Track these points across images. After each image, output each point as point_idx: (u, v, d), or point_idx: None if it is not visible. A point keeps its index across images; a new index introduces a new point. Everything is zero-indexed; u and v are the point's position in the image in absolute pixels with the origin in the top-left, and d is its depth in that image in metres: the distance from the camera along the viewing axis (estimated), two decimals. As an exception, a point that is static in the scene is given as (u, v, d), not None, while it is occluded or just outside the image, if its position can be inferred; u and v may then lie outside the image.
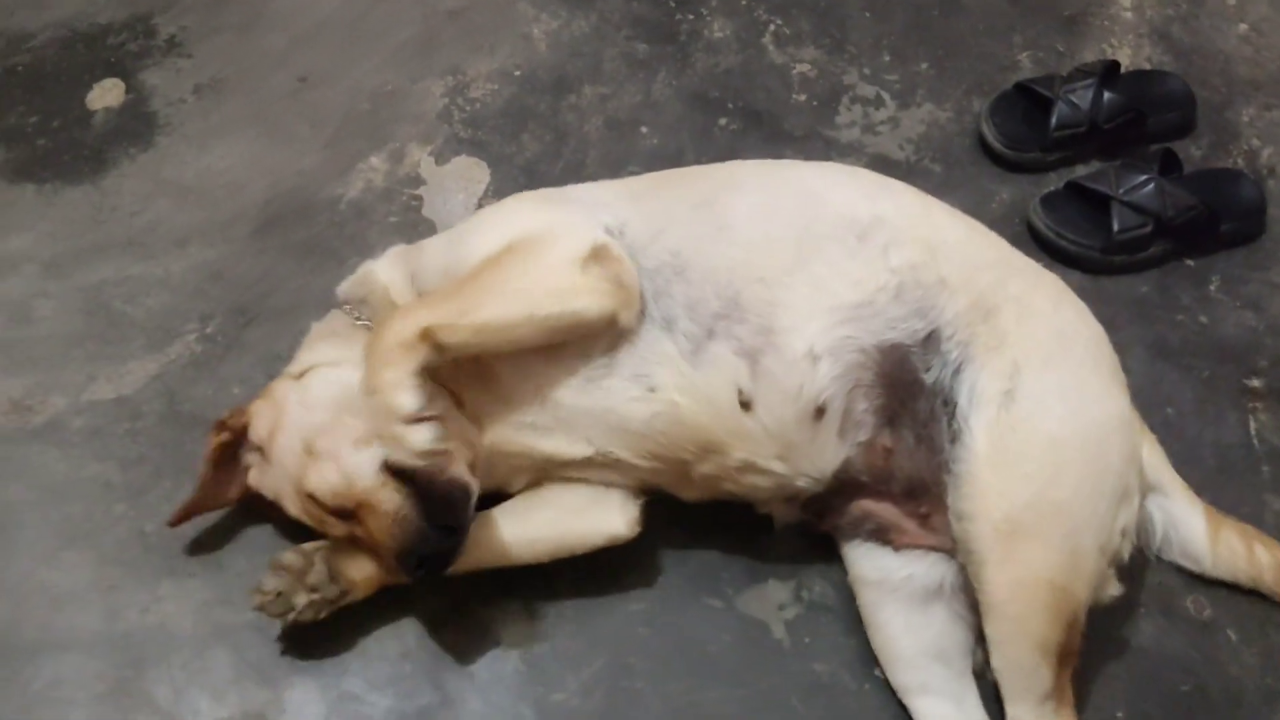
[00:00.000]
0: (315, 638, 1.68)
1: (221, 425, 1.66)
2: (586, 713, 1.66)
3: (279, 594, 1.59)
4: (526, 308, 1.52)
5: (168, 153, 2.18)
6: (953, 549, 1.60)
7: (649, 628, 1.73)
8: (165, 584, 1.73)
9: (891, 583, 1.67)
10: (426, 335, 1.48)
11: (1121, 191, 2.09)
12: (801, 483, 1.62)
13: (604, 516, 1.66)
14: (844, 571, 1.74)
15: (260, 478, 1.66)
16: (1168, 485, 1.72)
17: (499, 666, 1.69)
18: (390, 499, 1.51)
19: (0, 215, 2.09)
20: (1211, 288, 2.11)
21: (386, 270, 1.72)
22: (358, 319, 1.71)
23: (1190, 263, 2.14)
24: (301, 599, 1.59)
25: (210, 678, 1.67)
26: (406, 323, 1.49)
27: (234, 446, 1.67)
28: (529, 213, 1.66)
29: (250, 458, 1.66)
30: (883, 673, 1.70)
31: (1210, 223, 2.10)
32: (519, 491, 1.69)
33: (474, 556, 1.60)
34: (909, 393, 1.59)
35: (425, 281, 1.68)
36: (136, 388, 1.90)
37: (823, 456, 1.60)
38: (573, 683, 1.68)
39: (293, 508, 1.62)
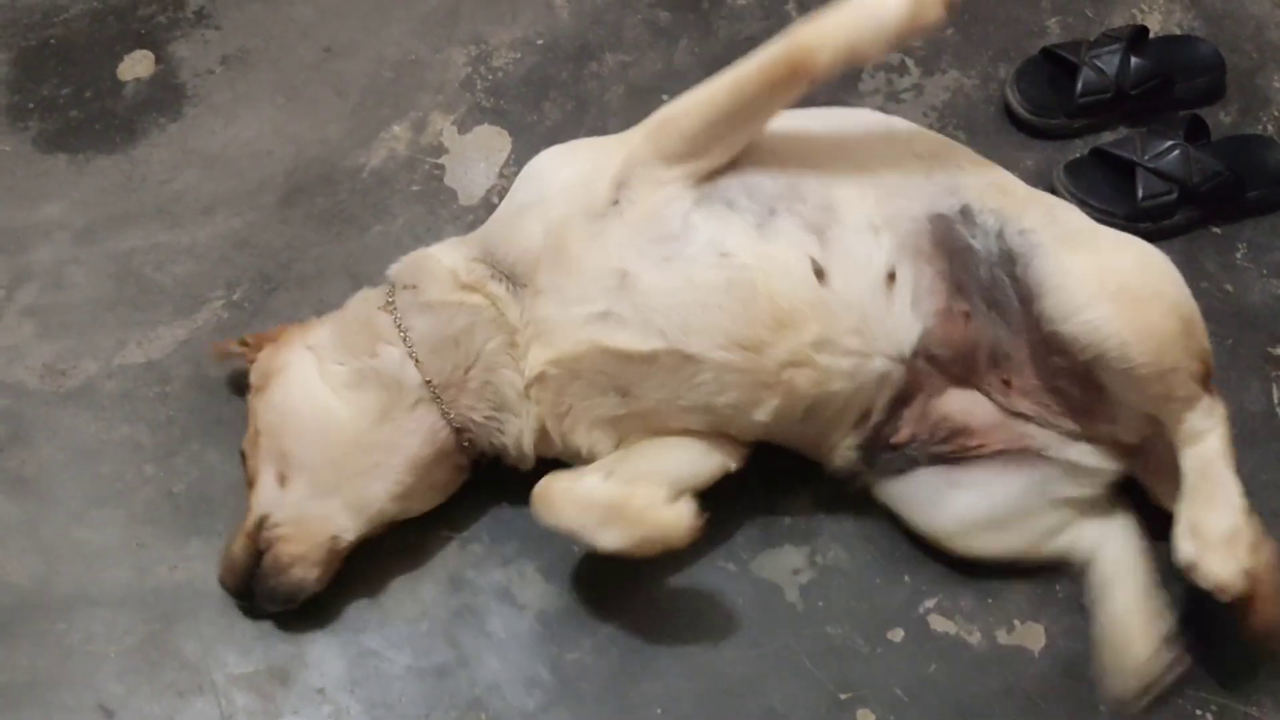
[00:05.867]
0: (336, 597, 1.72)
1: (244, 345, 1.81)
2: (601, 672, 1.69)
3: None
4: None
5: (196, 123, 2.21)
6: (1026, 431, 1.69)
7: (663, 590, 1.75)
8: (193, 543, 1.78)
9: (971, 521, 1.71)
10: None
11: (1146, 158, 2.07)
12: (878, 365, 1.63)
13: (721, 455, 1.69)
14: (857, 535, 1.77)
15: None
16: None
17: (515, 626, 1.72)
18: (238, 543, 1.67)
19: (34, 184, 2.14)
20: (1238, 255, 2.09)
21: (449, 254, 1.71)
22: (390, 303, 1.70)
23: (1217, 230, 2.12)
24: None
25: (236, 634, 1.71)
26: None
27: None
28: None
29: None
30: (895, 636, 1.73)
31: (1237, 189, 2.07)
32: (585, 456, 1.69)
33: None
34: (967, 259, 1.66)
35: (505, 251, 1.66)
36: (166, 352, 1.95)
37: (899, 329, 1.64)
38: (587, 643, 1.71)
39: None
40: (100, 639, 1.71)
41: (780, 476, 1.77)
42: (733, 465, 1.70)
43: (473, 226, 1.92)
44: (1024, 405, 1.69)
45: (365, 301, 1.74)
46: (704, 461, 1.68)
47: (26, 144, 2.19)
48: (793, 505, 1.80)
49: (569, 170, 1.66)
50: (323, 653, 1.70)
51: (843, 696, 1.69)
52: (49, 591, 1.74)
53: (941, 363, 1.67)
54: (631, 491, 1.54)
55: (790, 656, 1.71)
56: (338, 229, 2.08)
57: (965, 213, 1.67)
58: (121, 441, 1.86)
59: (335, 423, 1.65)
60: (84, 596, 1.74)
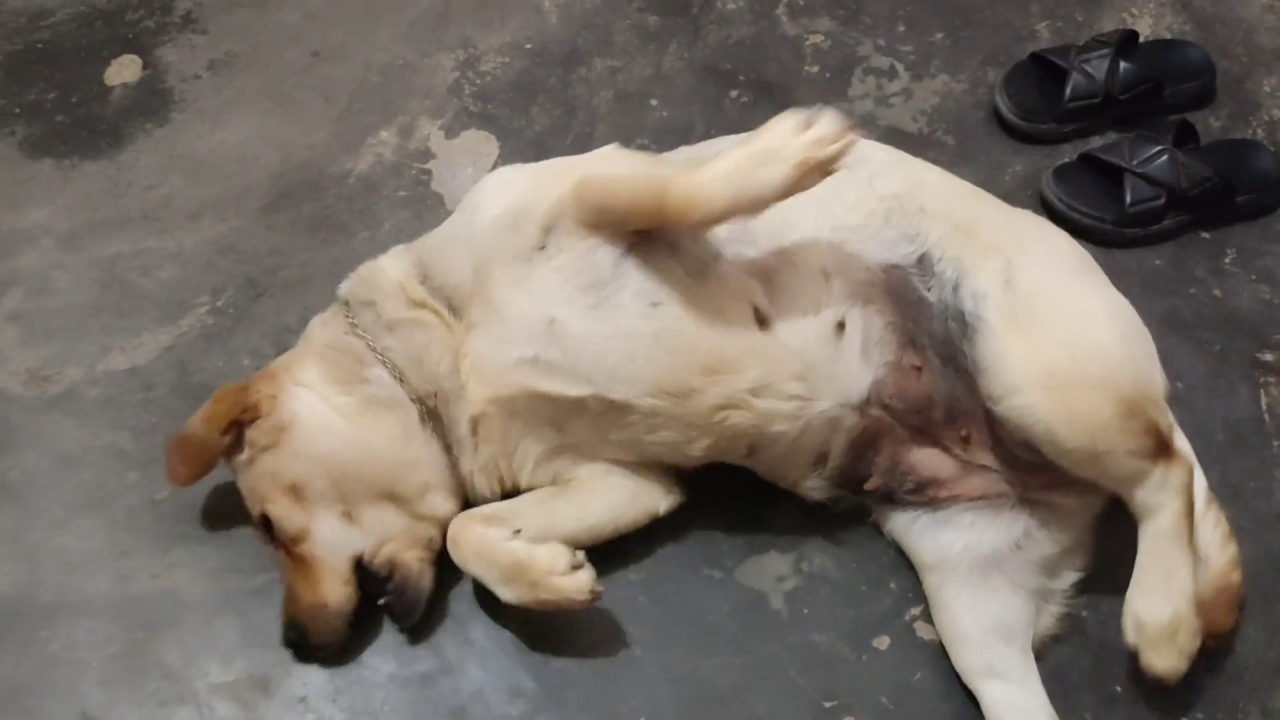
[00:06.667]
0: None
1: (243, 405, 1.65)
2: (585, 679, 1.68)
3: None
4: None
5: (182, 128, 2.21)
6: (997, 479, 1.65)
7: (648, 597, 1.74)
8: (175, 551, 1.78)
9: (950, 561, 1.68)
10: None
11: (1135, 163, 2.06)
12: (823, 407, 1.62)
13: (650, 500, 1.71)
14: (843, 543, 1.76)
15: (240, 469, 1.68)
16: None
17: (498, 634, 1.71)
18: (338, 594, 1.62)
19: (20, 189, 2.14)
20: (1226, 260, 2.08)
21: (395, 265, 1.69)
22: (353, 324, 1.68)
23: (1205, 235, 2.11)
24: None
25: (219, 642, 1.71)
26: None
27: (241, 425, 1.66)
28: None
29: (246, 453, 1.65)
30: (880, 644, 1.72)
31: (1226, 195, 2.07)
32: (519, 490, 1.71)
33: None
34: (919, 312, 1.63)
35: (440, 278, 1.65)
36: (150, 359, 1.94)
37: (848, 378, 1.62)
38: (571, 650, 1.70)
39: (250, 507, 1.67)
40: (83, 647, 1.70)
41: (766, 484, 1.76)
42: (660, 509, 1.71)
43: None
44: (986, 459, 1.67)
45: (327, 327, 1.71)
46: (628, 508, 1.70)
47: (12, 149, 2.19)
48: (778, 513, 1.79)
49: (503, 204, 1.61)
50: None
51: (828, 705, 1.68)
52: (31, 599, 1.74)
53: (898, 414, 1.65)
54: (534, 554, 1.56)
55: (775, 664, 1.70)
56: (324, 235, 2.08)
57: (923, 262, 1.63)
58: (105, 448, 1.86)
59: (374, 452, 1.64)
60: (66, 604, 1.73)
